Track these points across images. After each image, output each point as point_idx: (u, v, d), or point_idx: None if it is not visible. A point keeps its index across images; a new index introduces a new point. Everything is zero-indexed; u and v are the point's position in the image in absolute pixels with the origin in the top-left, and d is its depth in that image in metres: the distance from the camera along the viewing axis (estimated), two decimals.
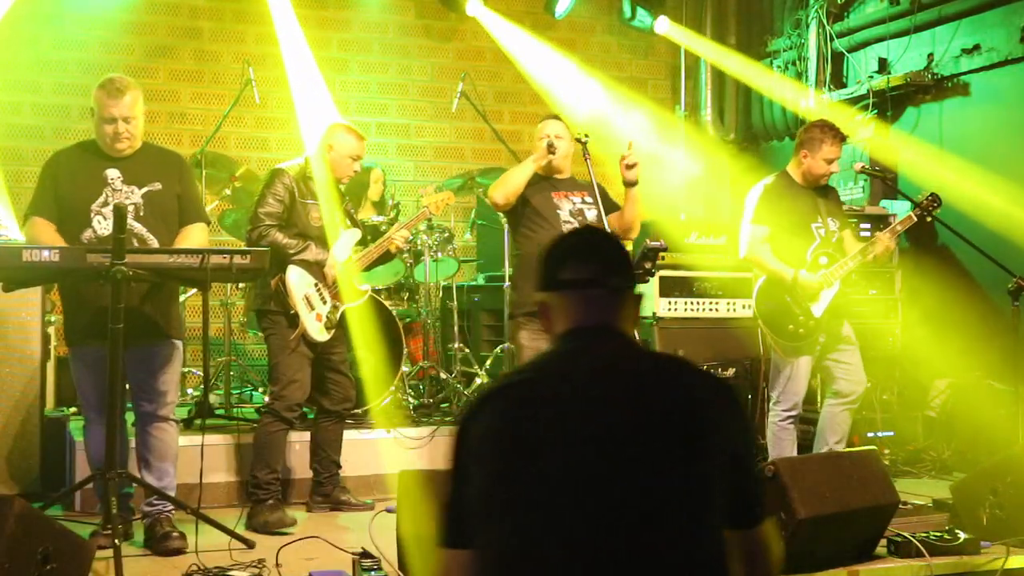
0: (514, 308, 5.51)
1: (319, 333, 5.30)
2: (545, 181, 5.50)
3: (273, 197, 5.28)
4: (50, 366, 6.26)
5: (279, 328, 5.30)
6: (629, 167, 5.30)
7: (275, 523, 5.09)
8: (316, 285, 5.31)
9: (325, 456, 5.57)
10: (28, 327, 5.75)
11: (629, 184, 5.33)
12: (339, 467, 5.63)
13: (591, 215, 5.45)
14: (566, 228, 5.36)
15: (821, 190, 5.83)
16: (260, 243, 5.16)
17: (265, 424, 5.34)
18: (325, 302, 5.34)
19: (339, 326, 5.43)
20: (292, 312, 5.25)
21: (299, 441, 5.79)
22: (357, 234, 5.54)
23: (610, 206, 5.48)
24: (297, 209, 5.33)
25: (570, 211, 5.47)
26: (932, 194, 5.70)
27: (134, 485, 4.80)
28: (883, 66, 8.18)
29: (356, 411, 6.16)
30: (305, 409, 5.62)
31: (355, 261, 5.47)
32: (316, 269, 5.31)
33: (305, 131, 6.93)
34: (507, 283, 6.97)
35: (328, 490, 5.57)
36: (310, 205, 5.36)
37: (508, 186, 5.42)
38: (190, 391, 7.21)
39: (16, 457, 5.64)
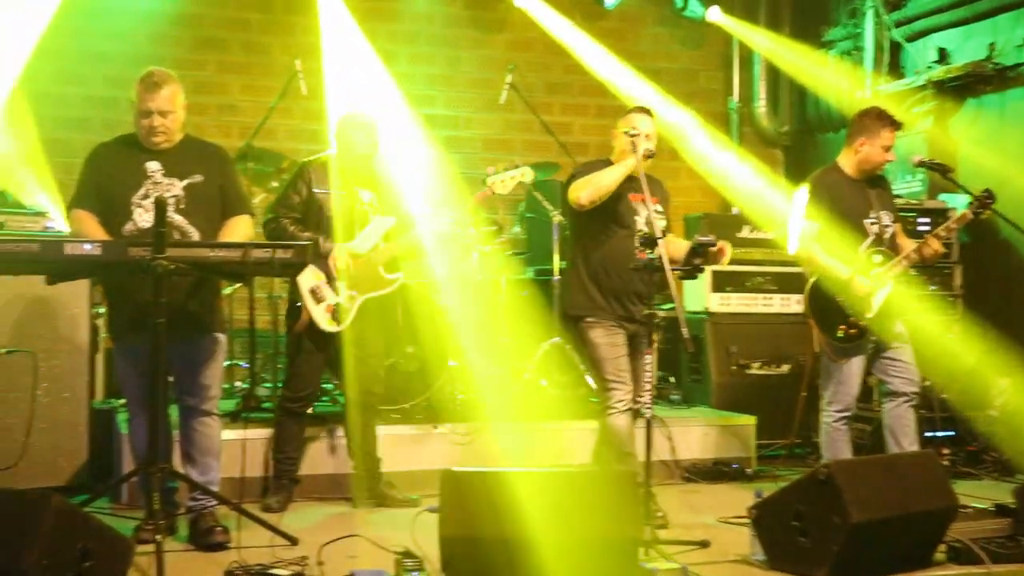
0: (579, 310, 5.36)
1: (327, 324, 5.32)
2: (625, 181, 5.26)
3: (292, 190, 5.41)
4: (99, 358, 6.28)
5: (291, 321, 5.45)
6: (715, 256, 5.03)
7: (264, 507, 5.27)
8: (327, 277, 5.31)
9: (359, 449, 5.55)
10: (77, 319, 5.78)
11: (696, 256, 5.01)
12: (378, 460, 5.59)
13: (661, 226, 5.33)
14: (639, 239, 5.20)
15: (873, 182, 5.69)
16: (273, 235, 5.27)
17: (277, 414, 5.59)
18: (339, 293, 5.33)
19: (367, 318, 5.43)
20: (298, 304, 5.34)
21: (339, 436, 5.76)
22: (389, 222, 5.48)
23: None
24: (316, 201, 5.38)
25: (646, 219, 5.27)
26: (986, 190, 5.55)
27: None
28: (942, 56, 7.98)
29: (403, 405, 6.15)
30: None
31: (381, 250, 5.42)
32: (326, 261, 5.34)
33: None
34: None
35: (371, 484, 5.54)
36: (328, 196, 5.40)
37: (598, 190, 5.18)
38: (238, 384, 7.21)
39: (65, 449, 5.66)
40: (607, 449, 5.35)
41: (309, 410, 6.15)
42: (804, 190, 5.60)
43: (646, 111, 5.43)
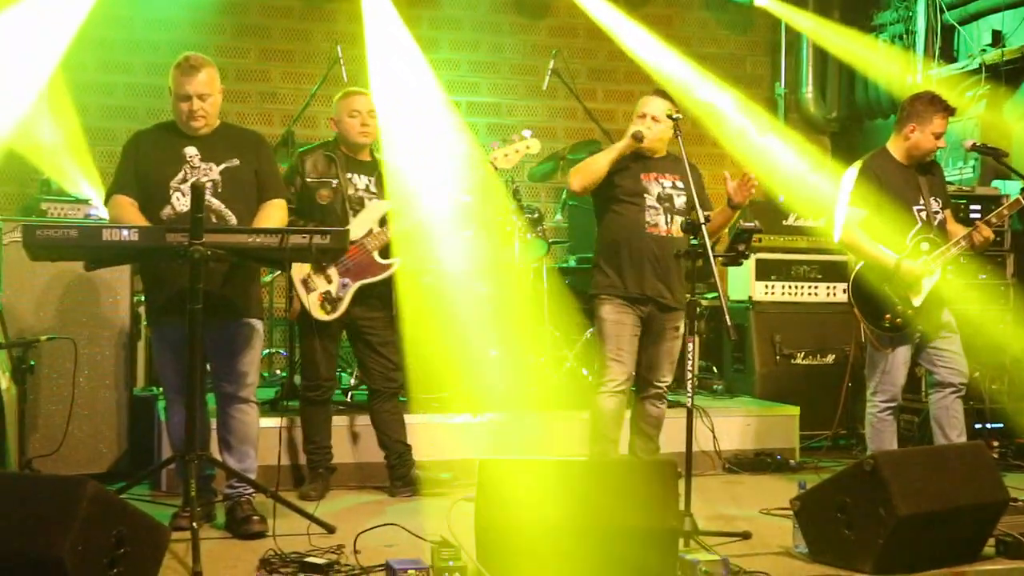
0: (593, 288, 5.44)
1: (318, 313, 5.30)
2: (637, 161, 5.36)
3: (288, 181, 5.39)
4: (141, 345, 6.31)
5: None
6: (744, 192, 5.11)
7: (301, 495, 5.27)
8: (317, 266, 5.26)
9: (387, 438, 5.54)
10: (118, 305, 5.81)
11: (734, 206, 5.16)
12: (408, 447, 5.56)
13: (680, 202, 5.33)
14: (650, 213, 5.30)
15: (924, 167, 5.54)
16: None
17: (300, 405, 5.57)
18: (330, 281, 5.30)
19: (371, 305, 5.39)
20: (293, 294, 5.36)
21: (368, 425, 5.70)
22: (384, 206, 5.43)
23: (703, 198, 5.32)
24: (307, 189, 5.37)
25: (658, 195, 5.36)
26: None
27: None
28: (997, 39, 7.81)
29: (442, 394, 6.10)
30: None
31: (376, 235, 5.37)
32: None
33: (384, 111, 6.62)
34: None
35: (403, 472, 5.52)
36: (318, 183, 5.37)
37: (588, 175, 5.32)
38: (278, 372, 7.21)
39: (105, 435, 5.71)
40: (591, 430, 5.39)
41: (347, 397, 6.17)
42: (852, 172, 5.48)
43: (659, 93, 5.52)
